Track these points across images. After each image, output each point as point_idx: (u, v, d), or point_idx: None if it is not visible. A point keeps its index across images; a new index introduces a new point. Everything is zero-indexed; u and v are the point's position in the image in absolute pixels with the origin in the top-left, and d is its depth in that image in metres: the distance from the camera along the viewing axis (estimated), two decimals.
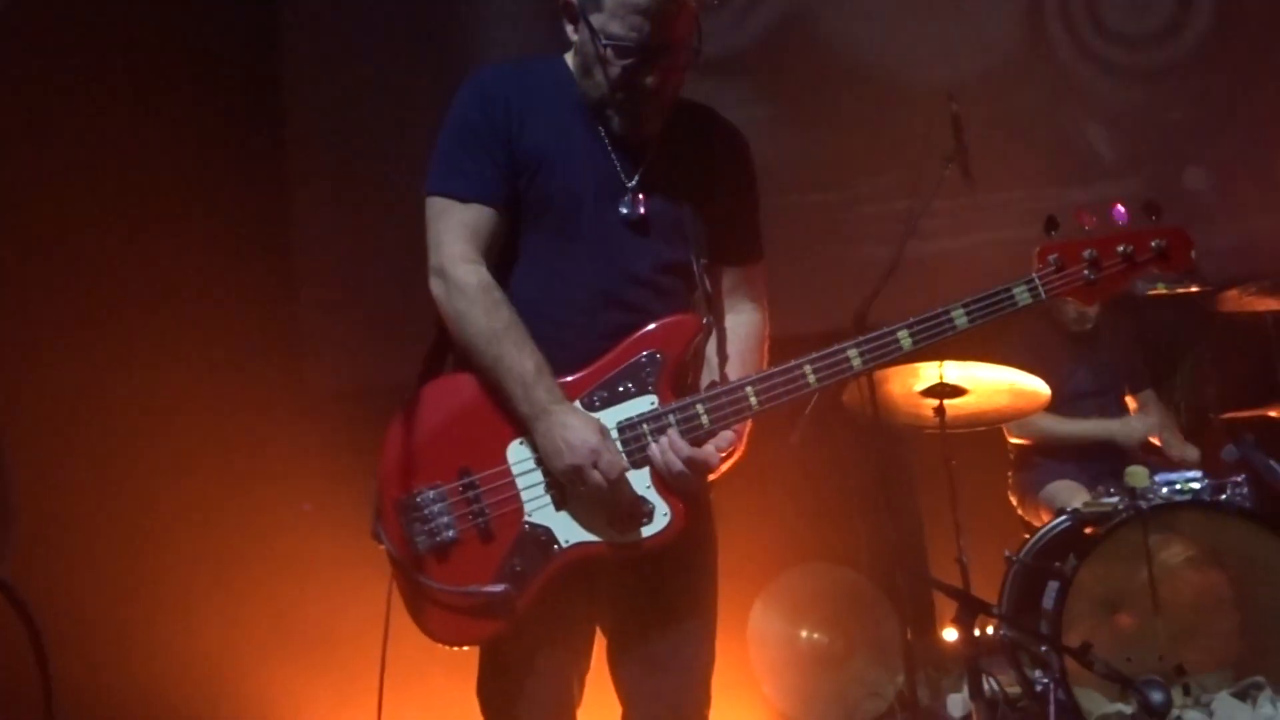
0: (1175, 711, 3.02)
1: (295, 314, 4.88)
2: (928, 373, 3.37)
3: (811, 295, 4.30)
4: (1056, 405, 3.73)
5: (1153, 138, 4.59)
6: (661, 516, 1.83)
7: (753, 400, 1.85)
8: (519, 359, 1.82)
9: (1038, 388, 3.42)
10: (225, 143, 4.36)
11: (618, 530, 1.83)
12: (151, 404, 3.79)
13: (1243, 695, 3.10)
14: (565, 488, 1.84)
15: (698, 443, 1.84)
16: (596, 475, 1.78)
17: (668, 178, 1.95)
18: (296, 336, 4.86)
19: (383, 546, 1.88)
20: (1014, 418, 3.68)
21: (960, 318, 1.83)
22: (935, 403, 3.37)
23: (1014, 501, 4.03)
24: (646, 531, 1.83)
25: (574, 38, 1.93)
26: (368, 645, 2.00)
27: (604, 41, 1.84)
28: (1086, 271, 1.84)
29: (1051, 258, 1.84)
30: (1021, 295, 1.84)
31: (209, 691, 3.60)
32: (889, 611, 3.82)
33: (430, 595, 1.84)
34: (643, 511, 1.83)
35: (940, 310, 1.82)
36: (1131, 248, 1.84)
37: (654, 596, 1.93)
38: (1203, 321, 3.76)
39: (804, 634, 4.00)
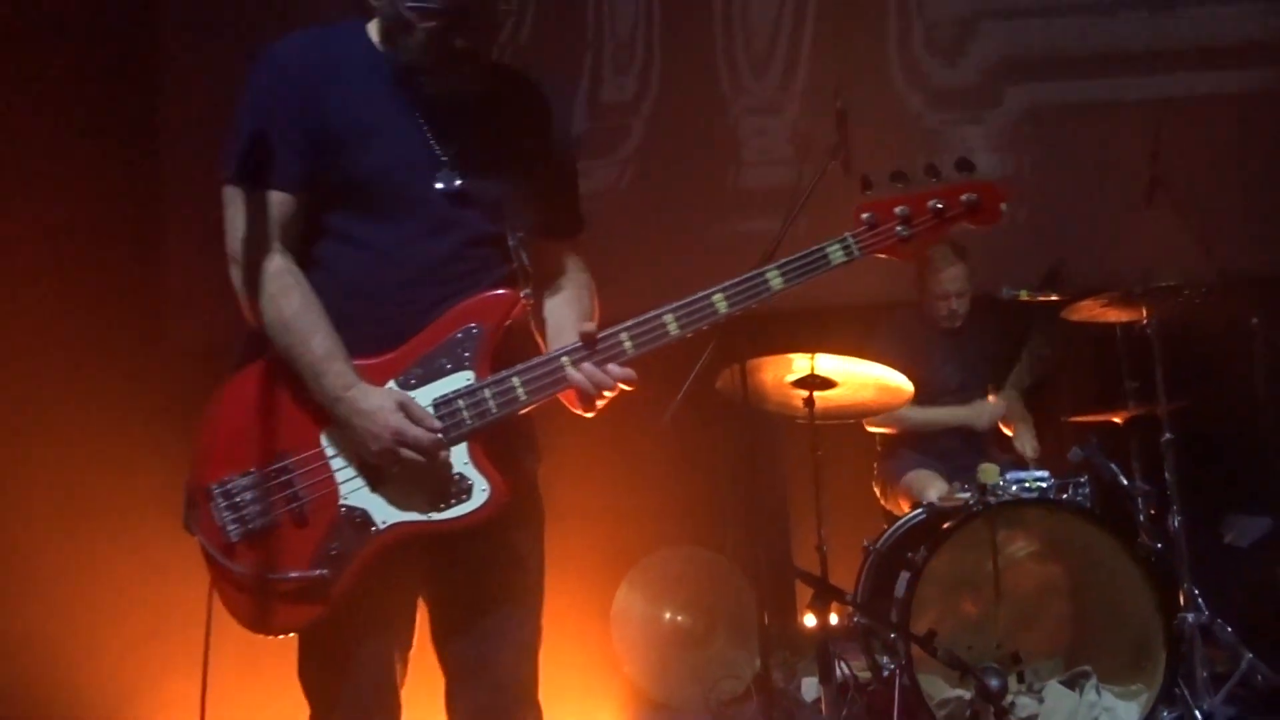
0: (1009, 697, 3.18)
1: (159, 268, 4.68)
2: (800, 364, 3.44)
3: (692, 278, 4.34)
4: (922, 399, 3.86)
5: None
6: (480, 492, 1.80)
7: (569, 371, 1.81)
8: (306, 346, 1.78)
9: (902, 384, 3.53)
10: (96, 89, 4.18)
11: (436, 508, 1.80)
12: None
13: (1071, 684, 3.28)
14: (381, 468, 1.80)
15: (512, 411, 1.81)
16: (408, 453, 1.76)
17: (483, 149, 1.87)
18: (159, 290, 4.66)
19: (194, 536, 1.83)
20: (879, 412, 3.78)
21: (775, 279, 1.81)
22: (805, 393, 3.44)
23: (878, 491, 4.15)
24: (465, 508, 1.80)
25: (375, 2, 1.84)
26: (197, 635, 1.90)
27: (406, 5, 1.76)
28: (900, 228, 1.82)
29: (865, 216, 1.82)
30: (835, 254, 1.82)
31: (30, 681, 3.42)
32: (750, 595, 3.90)
33: (245, 584, 1.79)
34: (461, 488, 1.80)
35: (756, 272, 1.81)
36: (942, 202, 1.82)
37: (478, 572, 1.90)
38: (1058, 328, 3.93)
39: (667, 615, 4.06)
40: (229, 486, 1.81)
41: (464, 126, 1.87)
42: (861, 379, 3.53)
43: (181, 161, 4.70)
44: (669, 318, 1.81)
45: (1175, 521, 3.45)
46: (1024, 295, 3.69)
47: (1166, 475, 3.48)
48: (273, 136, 1.81)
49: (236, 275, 1.83)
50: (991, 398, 4.01)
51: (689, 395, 3.34)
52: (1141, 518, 3.56)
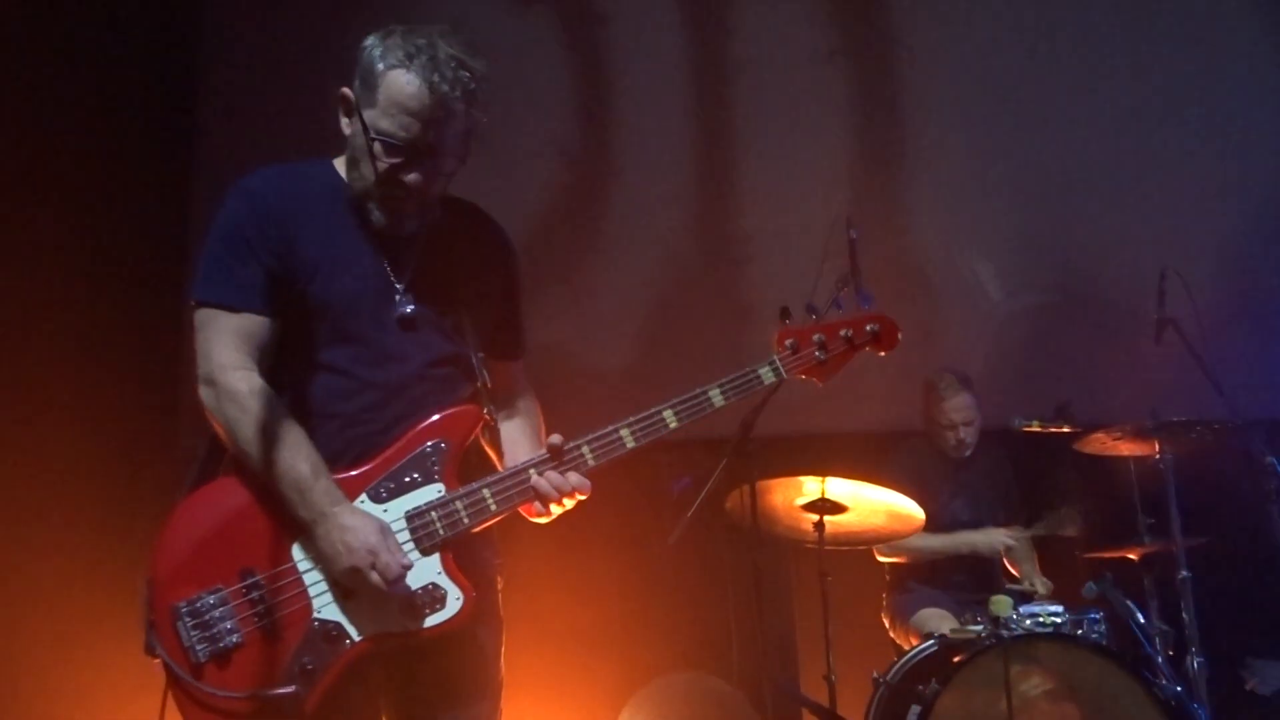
0: None
1: (177, 370, 4.74)
2: (810, 487, 3.43)
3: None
4: (931, 531, 3.83)
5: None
6: (454, 601, 1.85)
7: (535, 480, 1.91)
8: (294, 463, 1.82)
9: (913, 511, 3.50)
10: (128, 193, 4.30)
11: (410, 618, 1.84)
12: (22, 452, 3.63)
13: None
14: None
15: (483, 521, 1.90)
16: (375, 576, 1.79)
17: (437, 275, 1.99)
18: (174, 397, 4.71)
19: (157, 659, 1.80)
20: (890, 539, 3.75)
21: (716, 396, 1.97)
22: (815, 517, 3.42)
23: (886, 623, 4.07)
24: (439, 618, 1.84)
25: (346, 131, 1.95)
26: None
27: (373, 136, 1.87)
28: (817, 353, 2.05)
29: (788, 342, 2.05)
30: (766, 374, 2.02)
31: None
32: None
33: (213, 705, 1.77)
34: (435, 598, 1.85)
35: (699, 390, 1.96)
36: (851, 331, 2.07)
37: (440, 683, 1.93)
38: (1071, 461, 3.92)
39: None
40: (197, 605, 1.80)
41: (418, 255, 1.98)
42: (872, 504, 3.51)
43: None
44: (625, 431, 1.93)
45: (1195, 663, 3.36)
46: (1035, 426, 3.70)
47: (1184, 614, 3.41)
48: (248, 262, 1.90)
49: (209, 395, 1.88)
50: (1004, 532, 3.96)
51: (697, 516, 3.32)
52: (1159, 658, 3.46)
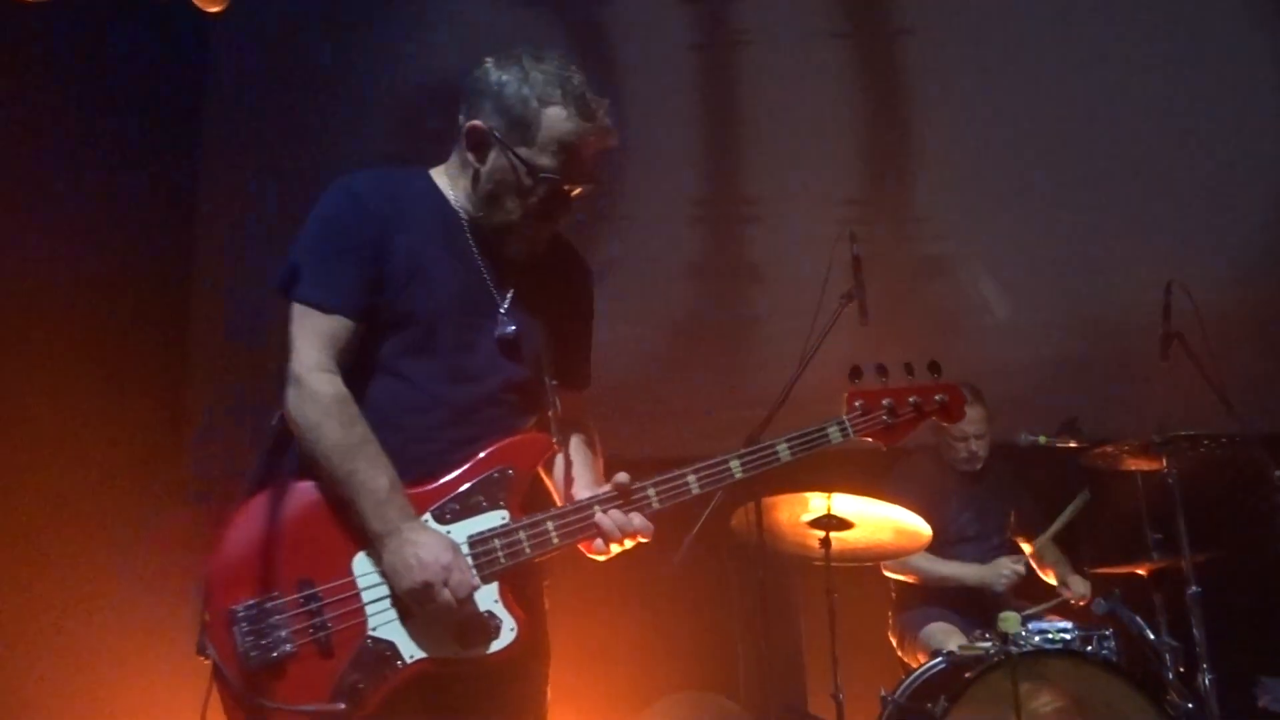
0: None
1: (182, 397, 4.76)
2: (816, 503, 3.41)
3: (705, 419, 4.38)
4: (938, 546, 3.81)
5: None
6: (509, 631, 1.84)
7: (599, 517, 1.91)
8: (373, 475, 1.81)
9: (919, 527, 3.48)
10: (133, 221, 4.32)
11: (465, 645, 1.83)
12: (33, 477, 3.64)
13: None
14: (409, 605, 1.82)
15: (544, 553, 1.90)
16: (446, 593, 1.78)
17: (533, 300, 2.01)
18: (180, 404, 4.73)
19: (208, 660, 1.79)
20: (896, 555, 3.73)
21: (784, 451, 2.01)
22: (821, 534, 3.40)
23: (894, 641, 4.05)
24: (494, 646, 1.83)
25: (478, 165, 1.95)
26: None
27: (540, 174, 1.90)
28: (885, 417, 2.10)
29: (857, 403, 2.09)
30: (834, 434, 2.07)
31: None
32: None
33: (261, 714, 1.75)
34: (490, 626, 1.84)
35: (767, 444, 2.00)
36: (919, 399, 2.12)
37: (482, 711, 1.90)
38: (1078, 477, 3.90)
39: None
40: (254, 611, 1.78)
41: (519, 280, 2.00)
42: (879, 521, 3.49)
43: (210, 299, 4.84)
44: (691, 478, 1.94)
45: (1206, 680, 3.32)
46: (1043, 441, 3.68)
47: (1195, 631, 3.38)
48: (346, 264, 1.89)
49: (293, 394, 1.85)
50: (1029, 548, 3.94)
51: (702, 534, 3.31)
52: (1170, 675, 3.43)
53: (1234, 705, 3.44)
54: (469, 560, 1.85)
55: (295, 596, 1.79)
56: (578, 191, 1.96)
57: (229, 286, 4.78)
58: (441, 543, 1.81)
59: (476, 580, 1.82)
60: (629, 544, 1.93)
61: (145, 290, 4.37)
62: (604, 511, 1.90)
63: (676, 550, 3.27)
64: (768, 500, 3.27)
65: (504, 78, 1.91)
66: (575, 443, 2.12)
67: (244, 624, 1.77)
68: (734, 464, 1.96)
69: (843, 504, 3.40)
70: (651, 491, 1.93)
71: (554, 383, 2.02)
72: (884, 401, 2.09)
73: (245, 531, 1.83)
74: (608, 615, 4.09)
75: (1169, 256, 4.61)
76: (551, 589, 2.07)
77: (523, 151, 1.90)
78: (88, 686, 3.66)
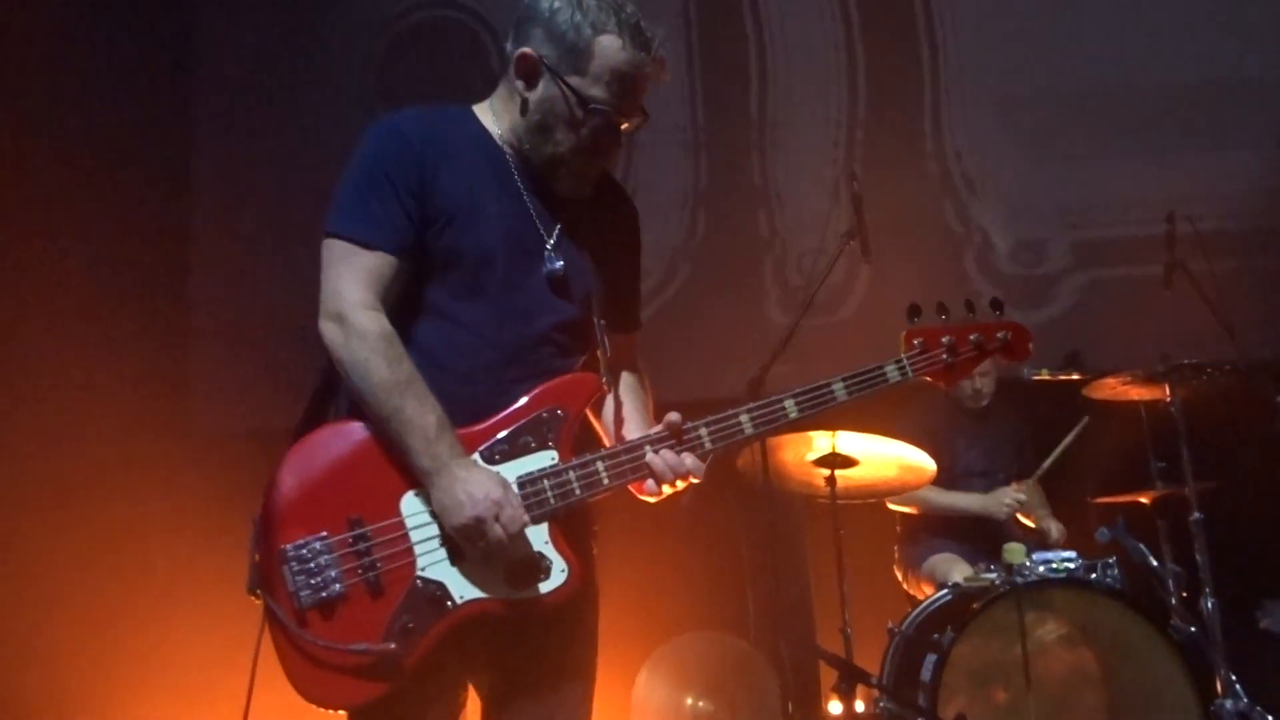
0: None
1: (185, 351, 4.76)
2: (820, 442, 3.43)
3: (710, 361, 4.38)
4: (946, 482, 3.84)
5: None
6: (559, 573, 1.81)
7: (650, 457, 1.86)
8: (421, 412, 1.77)
9: (924, 463, 3.51)
10: (129, 170, 4.31)
11: (515, 586, 1.80)
12: (32, 432, 3.65)
13: None
14: (460, 543, 1.79)
15: (594, 495, 1.85)
16: (498, 529, 1.74)
17: (580, 238, 1.96)
18: (185, 374, 4.74)
19: (259, 601, 1.78)
20: (902, 491, 3.76)
21: (840, 391, 1.94)
22: (827, 472, 3.43)
23: (899, 575, 4.10)
24: (545, 588, 1.80)
25: (526, 94, 1.89)
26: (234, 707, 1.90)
27: (591, 105, 1.84)
28: (945, 356, 2.02)
29: (916, 341, 2.01)
30: (892, 373, 1.99)
31: None
32: (773, 681, 3.82)
33: (313, 653, 1.74)
34: (541, 567, 1.80)
35: (823, 383, 1.93)
36: (981, 337, 2.03)
37: (535, 657, 1.89)
38: (1082, 409, 3.91)
39: (689, 701, 3.98)
40: (303, 550, 1.77)
41: (566, 217, 1.95)
42: (883, 458, 3.51)
43: (210, 253, 4.82)
44: (744, 418, 1.89)
45: (1209, 604, 3.36)
46: (1045, 375, 3.69)
47: (1197, 556, 3.41)
48: (389, 201, 1.83)
49: (336, 332, 1.81)
50: (1015, 485, 3.98)
51: (709, 475, 3.32)
52: (1173, 600, 3.48)
53: (1236, 628, 3.48)
54: (519, 499, 1.81)
55: (345, 535, 1.78)
56: (628, 125, 1.90)
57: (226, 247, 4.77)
58: (492, 479, 1.77)
59: (527, 517, 1.78)
60: (680, 485, 1.88)
61: (142, 243, 4.35)
62: (655, 452, 1.85)
63: (684, 493, 3.29)
64: (773, 441, 3.28)
65: (556, 4, 1.85)
66: (626, 383, 2.07)
67: (294, 563, 1.76)
68: (788, 403, 1.91)
69: (847, 442, 3.42)
70: (704, 431, 1.88)
71: (603, 322, 1.96)
72: (944, 339, 2.02)
73: (296, 472, 1.81)
74: (617, 558, 4.12)
75: (1172, 183, 4.58)
76: (599, 535, 2.03)
77: (574, 81, 1.84)
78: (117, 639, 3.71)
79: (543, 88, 1.87)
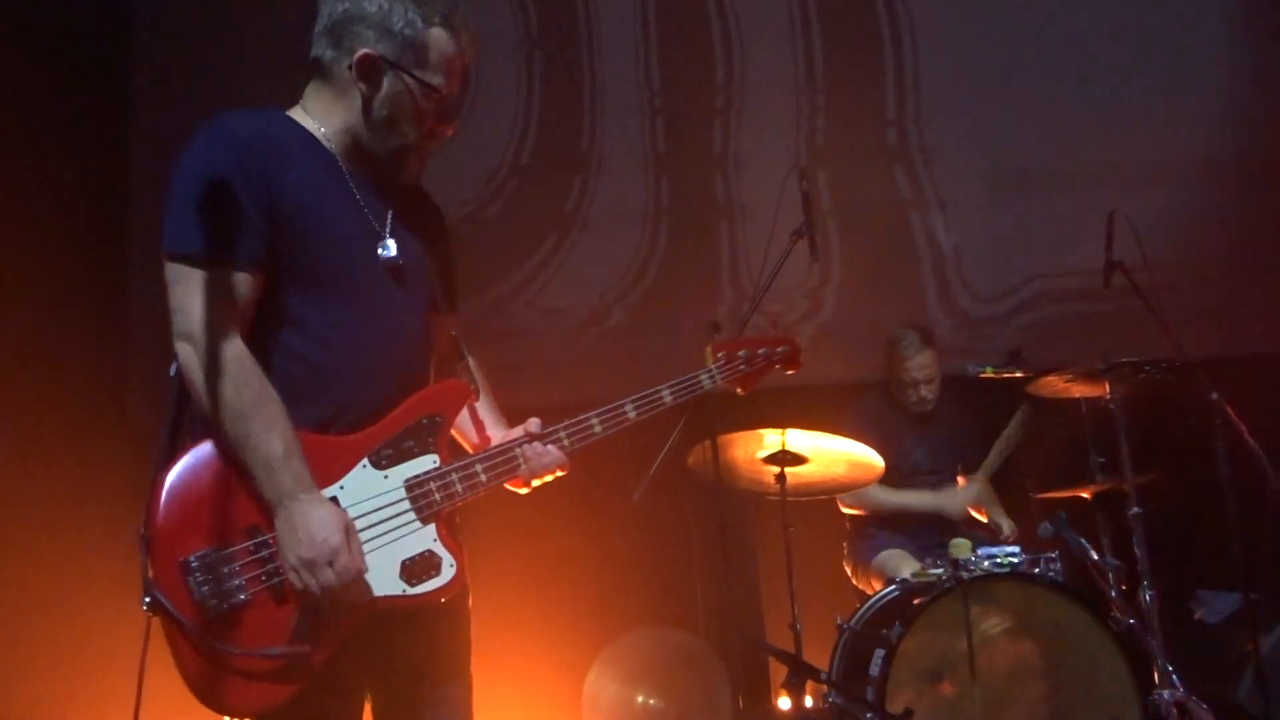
0: None
1: (125, 351, 4.66)
2: (771, 440, 3.45)
3: (662, 362, 4.39)
4: (893, 480, 3.88)
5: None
6: (449, 568, 1.92)
7: (520, 462, 2.03)
8: (266, 440, 1.77)
9: (873, 459, 3.54)
10: (63, 168, 4.20)
11: (409, 583, 1.89)
12: None
13: None
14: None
15: (474, 493, 1.98)
16: (329, 574, 1.76)
17: (410, 228, 2.04)
18: (125, 374, 4.63)
19: (156, 616, 1.75)
20: (851, 488, 3.79)
21: (667, 395, 2.19)
22: (777, 469, 3.45)
23: (848, 570, 4.14)
24: (436, 583, 1.91)
25: (370, 93, 1.94)
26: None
27: (435, 93, 1.95)
28: (743, 366, 2.34)
29: (720, 354, 2.33)
30: (705, 381, 2.27)
31: None
32: (724, 676, 3.84)
33: (224, 661, 1.75)
34: (431, 564, 1.91)
35: (654, 390, 2.18)
36: (765, 349, 2.37)
37: (425, 655, 1.98)
38: (1034, 419, 3.99)
39: (639, 699, 3.98)
40: (208, 560, 1.77)
41: (394, 212, 2.02)
42: (832, 455, 3.54)
43: (148, 246, 4.71)
44: (594, 421, 2.10)
45: (1147, 596, 3.45)
46: (989, 372, 3.75)
47: (1136, 549, 3.49)
48: (232, 212, 1.80)
49: (186, 353, 1.79)
50: (961, 480, 4.03)
51: (660, 472, 3.34)
52: (1113, 593, 3.55)
53: (1173, 619, 3.57)
54: (407, 504, 1.90)
55: (245, 544, 1.79)
56: (457, 104, 2.02)
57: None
58: (334, 522, 1.78)
59: (364, 565, 1.81)
60: (548, 478, 2.07)
61: (78, 239, 4.25)
62: (526, 450, 2.03)
63: (635, 488, 3.30)
64: (724, 438, 3.30)
65: (384, 5, 1.93)
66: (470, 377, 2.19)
67: (198, 574, 1.76)
68: (628, 407, 2.12)
69: (797, 439, 3.44)
70: (563, 434, 2.08)
71: (455, 332, 2.11)
72: (740, 353, 2.34)
73: (183, 485, 1.80)
74: (568, 554, 4.12)
75: (1111, 182, 4.68)
76: (478, 527, 2.17)
77: (418, 73, 1.94)
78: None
79: (387, 84, 1.94)
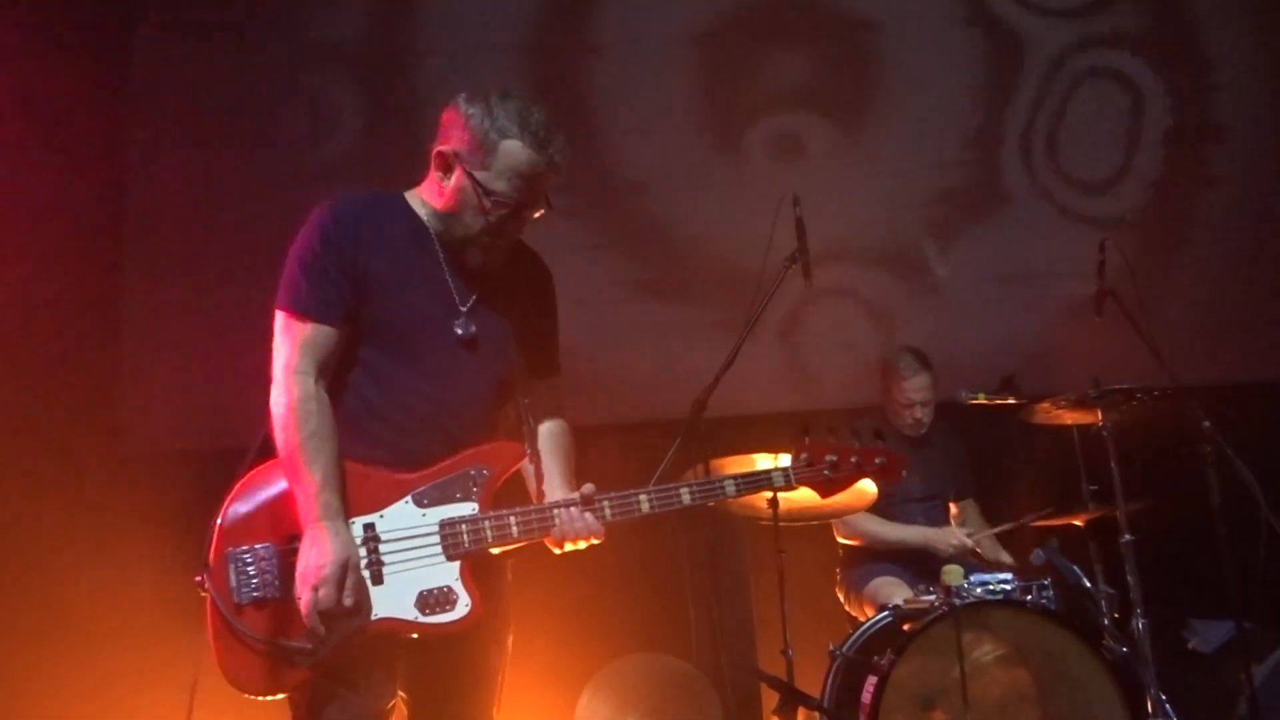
0: None
1: (117, 371, 4.65)
2: (763, 465, 3.44)
3: (656, 387, 4.39)
4: (886, 508, 3.88)
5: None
6: (463, 606, 2.11)
7: (556, 522, 2.18)
8: (310, 470, 2.07)
9: (865, 485, 3.52)
10: (60, 182, 4.20)
11: (424, 612, 2.10)
12: None
13: None
14: (383, 565, 2.11)
15: (503, 544, 2.18)
16: (311, 594, 2.01)
17: (496, 304, 2.28)
18: (116, 394, 4.62)
19: (204, 593, 2.06)
20: (844, 513, 3.79)
21: (730, 487, 2.30)
22: (769, 494, 3.44)
23: (841, 597, 4.12)
24: (448, 617, 2.10)
25: (444, 182, 2.22)
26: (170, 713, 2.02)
27: (491, 198, 2.17)
28: (826, 471, 2.37)
29: (803, 456, 2.37)
30: (777, 478, 2.37)
31: None
32: (715, 703, 3.82)
33: (242, 643, 2.04)
34: (449, 599, 2.11)
35: (716, 479, 2.31)
36: (859, 460, 2.39)
37: (447, 680, 2.21)
38: (1018, 431, 3.99)
39: None
40: (248, 554, 2.08)
41: (482, 287, 2.27)
42: None
43: (142, 273, 4.73)
44: (643, 498, 2.23)
45: (1139, 625, 3.44)
46: (981, 398, 3.76)
47: (1129, 577, 3.49)
48: (324, 278, 2.16)
49: (274, 391, 2.14)
50: (952, 508, 4.02)
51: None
52: (1106, 621, 3.55)
53: (1166, 647, 3.56)
54: (437, 540, 2.12)
55: (286, 548, 2.08)
56: (528, 213, 2.22)
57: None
58: (334, 554, 2.02)
59: (350, 601, 2.02)
60: (582, 544, 2.20)
61: (74, 251, 4.24)
62: (562, 513, 2.18)
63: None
64: (716, 463, 3.29)
65: (472, 110, 2.18)
66: (550, 434, 2.38)
67: (238, 563, 2.07)
68: (683, 491, 2.25)
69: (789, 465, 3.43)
70: (605, 504, 2.21)
71: (526, 400, 2.31)
72: (828, 457, 2.35)
73: (253, 490, 2.14)
74: (559, 579, 4.10)
75: (1102, 212, 4.72)
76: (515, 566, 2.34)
77: (480, 175, 2.17)
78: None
79: (455, 178, 2.20)
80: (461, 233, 2.22)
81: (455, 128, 2.20)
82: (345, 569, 2.03)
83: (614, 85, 4.95)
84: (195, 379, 4.44)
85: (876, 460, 2.39)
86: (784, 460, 2.42)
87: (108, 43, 4.76)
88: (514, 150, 2.15)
